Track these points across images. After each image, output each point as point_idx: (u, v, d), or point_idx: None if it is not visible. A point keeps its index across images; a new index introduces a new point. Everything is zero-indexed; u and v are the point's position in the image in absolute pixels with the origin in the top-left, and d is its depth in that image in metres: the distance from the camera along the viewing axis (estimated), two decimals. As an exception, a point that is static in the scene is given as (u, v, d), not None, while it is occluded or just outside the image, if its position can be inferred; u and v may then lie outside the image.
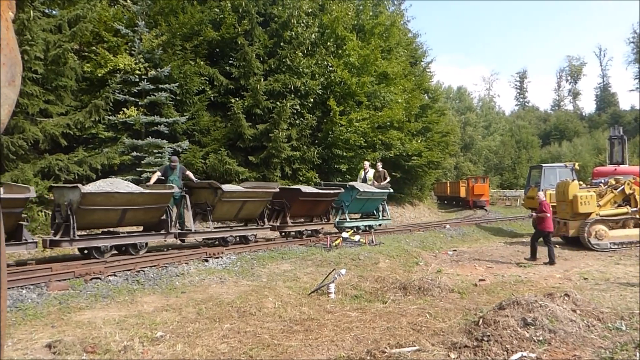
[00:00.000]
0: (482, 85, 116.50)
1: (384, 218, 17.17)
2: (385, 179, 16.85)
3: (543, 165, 21.27)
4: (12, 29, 1.31)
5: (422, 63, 37.10)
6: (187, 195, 11.23)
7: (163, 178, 11.31)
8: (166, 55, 16.88)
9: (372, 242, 13.81)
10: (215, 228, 11.79)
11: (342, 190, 14.63)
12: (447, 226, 21.26)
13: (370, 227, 16.30)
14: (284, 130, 18.42)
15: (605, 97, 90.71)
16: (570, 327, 5.27)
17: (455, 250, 14.74)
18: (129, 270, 8.77)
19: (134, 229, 11.01)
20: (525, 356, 4.61)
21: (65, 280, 7.80)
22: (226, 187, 11.42)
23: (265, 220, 12.71)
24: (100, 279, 8.11)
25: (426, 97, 33.75)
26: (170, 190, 10.39)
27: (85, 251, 9.41)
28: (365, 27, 25.40)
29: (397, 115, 23.78)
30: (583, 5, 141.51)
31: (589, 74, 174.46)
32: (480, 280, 9.58)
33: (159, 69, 16.18)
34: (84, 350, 4.91)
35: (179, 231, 11.01)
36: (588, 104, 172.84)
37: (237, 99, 18.12)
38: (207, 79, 18.15)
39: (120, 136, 15.49)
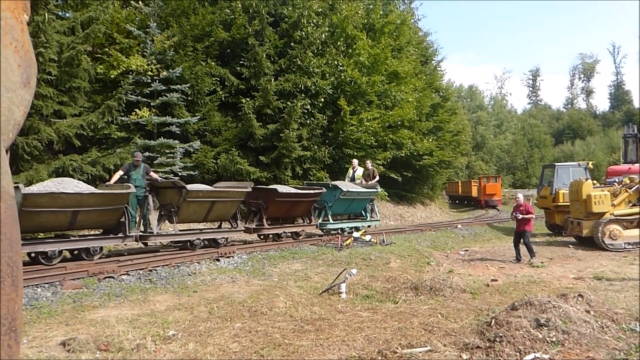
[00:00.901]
0: (493, 83, 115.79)
1: (373, 219, 16.24)
2: (374, 177, 15.94)
3: (556, 164, 21.03)
4: (27, 31, 1.34)
5: (432, 62, 36.93)
6: (149, 196, 10.61)
7: (126, 177, 10.66)
8: (178, 56, 16.99)
9: (383, 241, 13.81)
10: (181, 230, 11.05)
11: (324, 189, 13.84)
12: (459, 226, 21.18)
13: (357, 229, 15.27)
14: (295, 130, 18.45)
15: (619, 95, 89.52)
16: (584, 328, 5.22)
17: (467, 250, 14.68)
18: (142, 269, 8.86)
19: (93, 232, 10.34)
20: (538, 357, 4.58)
21: (79, 279, 7.91)
22: (191, 186, 10.75)
23: (239, 222, 11.90)
24: (113, 277, 8.21)
25: (437, 96, 33.58)
26: (126, 190, 9.58)
27: (32, 255, 8.40)
28: (375, 26, 25.34)
29: (408, 115, 23.70)
30: (595, 4, 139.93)
31: (602, 71, 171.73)
32: (493, 280, 9.53)
33: (170, 70, 16.29)
34: (98, 348, 4.97)
35: (140, 234, 10.23)
36: (602, 102, 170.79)
37: (248, 99, 18.17)
38: (218, 79, 18.23)
39: (133, 137, 15.62)
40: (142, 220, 10.65)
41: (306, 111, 19.49)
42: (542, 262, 11.88)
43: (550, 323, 5.19)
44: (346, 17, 21.81)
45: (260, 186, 13.59)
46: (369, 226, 16.35)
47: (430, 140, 28.61)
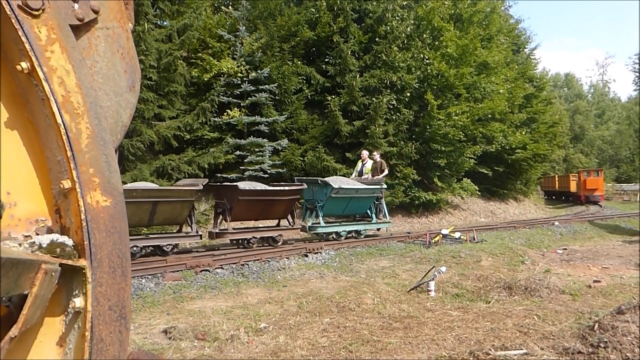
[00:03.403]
0: (595, 70, 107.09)
1: (380, 221, 13.86)
2: (382, 171, 13.75)
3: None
4: (131, 39, 1.44)
5: (525, 50, 35.09)
6: None
7: None
8: (265, 57, 17.52)
9: (474, 239, 13.36)
10: None
11: (304, 186, 11.84)
12: (556, 223, 19.96)
13: (358, 232, 13.24)
14: (381, 126, 18.33)
15: None
16: None
17: (565, 249, 13.78)
18: (235, 263, 9.24)
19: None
20: (649, 366, 4.20)
21: (178, 271, 8.41)
22: (126, 185, 9.70)
23: (194, 225, 10.64)
24: (209, 271, 8.64)
25: (530, 86, 31.83)
26: None
27: None
28: (463, 15, 24.48)
29: (498, 107, 22.66)
30: None
31: None
32: (595, 281, 8.86)
33: (259, 71, 16.84)
34: (196, 337, 5.26)
35: None
36: None
37: (334, 97, 18.33)
38: (304, 78, 18.55)
39: (225, 136, 16.37)
40: None
41: (392, 107, 19.30)
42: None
43: (664, 330, 4.73)
44: (432, 9, 21.25)
45: (223, 184, 11.91)
46: (378, 229, 14.32)
47: (524, 132, 27.28)
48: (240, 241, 11.10)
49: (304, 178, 13.29)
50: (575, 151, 56.96)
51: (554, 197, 42.95)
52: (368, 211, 13.57)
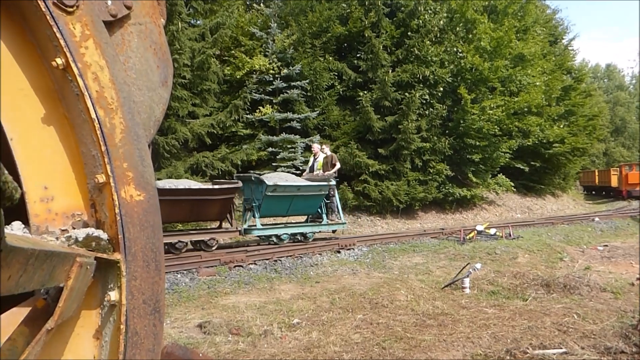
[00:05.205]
0: (637, 60, 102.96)
1: (333, 222, 12.16)
2: (333, 166, 12.26)
3: None
4: (163, 34, 1.44)
5: (563, 41, 34.05)
6: None
7: None
8: (297, 54, 17.56)
9: (510, 235, 13.08)
10: None
11: (239, 184, 10.55)
12: (596, 219, 19.36)
13: (304, 236, 11.59)
14: (413, 121, 18.11)
15: None
16: None
17: (606, 246, 13.34)
18: (268, 259, 9.32)
19: None
20: (699, 368, 4.02)
21: (212, 267, 8.53)
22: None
23: None
24: (242, 266, 8.73)
25: (569, 78, 30.90)
26: None
27: None
28: (497, 7, 23.91)
29: (535, 100, 22.09)
30: None
31: None
32: (638, 279, 8.55)
33: (290, 68, 16.90)
34: (230, 332, 5.32)
35: None
36: None
37: (366, 92, 18.20)
38: (336, 74, 18.50)
39: (257, 133, 16.50)
40: None
41: (425, 101, 19.04)
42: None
43: None
44: (465, 1, 20.85)
45: None
46: (333, 231, 12.53)
47: (562, 126, 26.54)
48: (165, 245, 9.76)
49: (241, 175, 12.09)
50: (616, 144, 55.08)
51: (593, 192, 41.71)
52: (319, 211, 12.11)
